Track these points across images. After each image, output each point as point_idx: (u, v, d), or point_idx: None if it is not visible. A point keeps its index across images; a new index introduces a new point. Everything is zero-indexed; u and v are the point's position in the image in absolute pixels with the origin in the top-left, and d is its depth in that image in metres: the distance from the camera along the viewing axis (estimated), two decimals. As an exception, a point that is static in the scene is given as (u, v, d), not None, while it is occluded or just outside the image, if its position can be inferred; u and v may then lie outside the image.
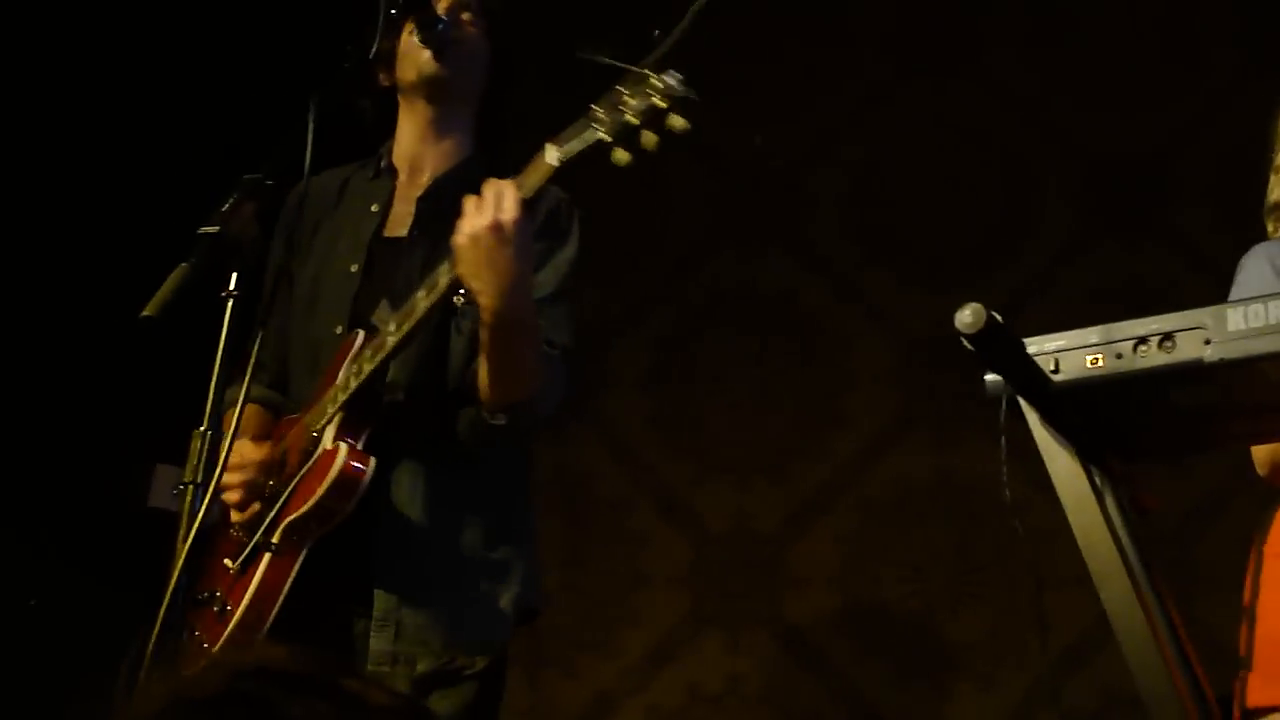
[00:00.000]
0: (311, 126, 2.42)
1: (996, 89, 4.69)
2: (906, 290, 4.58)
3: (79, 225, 4.24)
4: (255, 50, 4.45)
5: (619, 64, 2.29)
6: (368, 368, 2.55)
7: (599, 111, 2.32)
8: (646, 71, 2.27)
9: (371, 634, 2.58)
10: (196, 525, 2.14)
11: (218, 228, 2.29)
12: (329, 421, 2.59)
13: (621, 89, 2.30)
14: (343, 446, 2.55)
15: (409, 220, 2.83)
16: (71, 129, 4.27)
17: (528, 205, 2.44)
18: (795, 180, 4.79)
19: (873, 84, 4.80)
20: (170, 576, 2.12)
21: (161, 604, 2.07)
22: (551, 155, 2.39)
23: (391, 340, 2.54)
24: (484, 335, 2.53)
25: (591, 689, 4.58)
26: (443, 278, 2.50)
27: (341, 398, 2.57)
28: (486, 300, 2.47)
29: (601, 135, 2.32)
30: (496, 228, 2.40)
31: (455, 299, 2.51)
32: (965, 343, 1.73)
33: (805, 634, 4.46)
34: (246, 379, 2.28)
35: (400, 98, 2.90)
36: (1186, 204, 4.39)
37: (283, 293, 2.82)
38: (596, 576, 4.66)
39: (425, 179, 2.87)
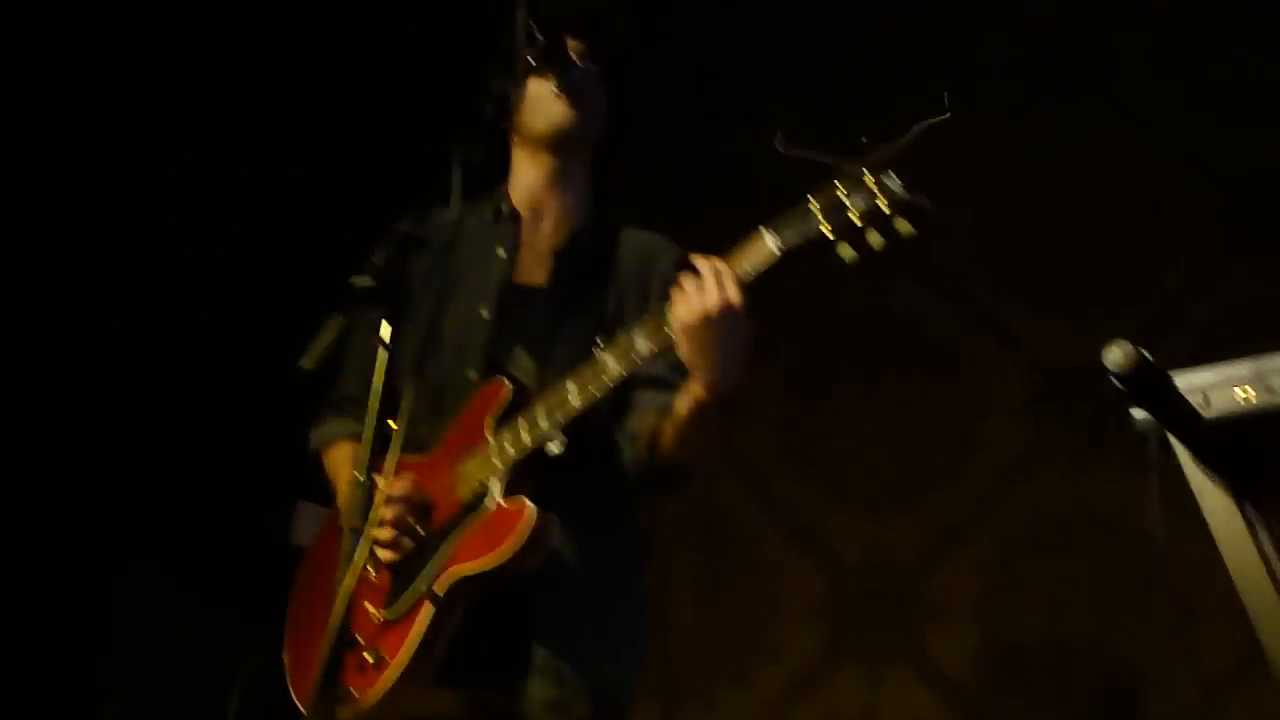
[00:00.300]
0: (457, 177, 2.45)
1: (1126, 110, 4.64)
2: (1039, 317, 4.54)
3: (233, 274, 4.35)
4: (392, 102, 4.55)
5: (837, 161, 2.25)
6: (549, 425, 2.52)
7: (817, 204, 2.30)
8: (865, 171, 2.25)
9: (534, 682, 2.60)
10: (359, 572, 2.18)
11: (369, 278, 2.33)
12: (494, 475, 2.57)
13: (840, 184, 2.28)
14: (531, 505, 2.52)
15: (540, 270, 2.82)
16: (228, 185, 4.40)
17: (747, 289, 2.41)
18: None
19: (1001, 108, 4.77)
20: (330, 622, 2.15)
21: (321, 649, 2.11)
22: (772, 242, 2.36)
23: (582, 405, 2.50)
24: (688, 406, 2.53)
25: (728, 722, 4.59)
26: (642, 343, 2.46)
27: (512, 452, 2.55)
28: (708, 378, 2.46)
29: (824, 230, 2.30)
30: (730, 312, 2.38)
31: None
32: (1114, 381, 1.73)
33: (943, 666, 4.42)
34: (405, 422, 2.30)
35: (519, 143, 2.86)
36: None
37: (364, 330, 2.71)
38: (732, 609, 4.66)
39: (553, 228, 2.85)
